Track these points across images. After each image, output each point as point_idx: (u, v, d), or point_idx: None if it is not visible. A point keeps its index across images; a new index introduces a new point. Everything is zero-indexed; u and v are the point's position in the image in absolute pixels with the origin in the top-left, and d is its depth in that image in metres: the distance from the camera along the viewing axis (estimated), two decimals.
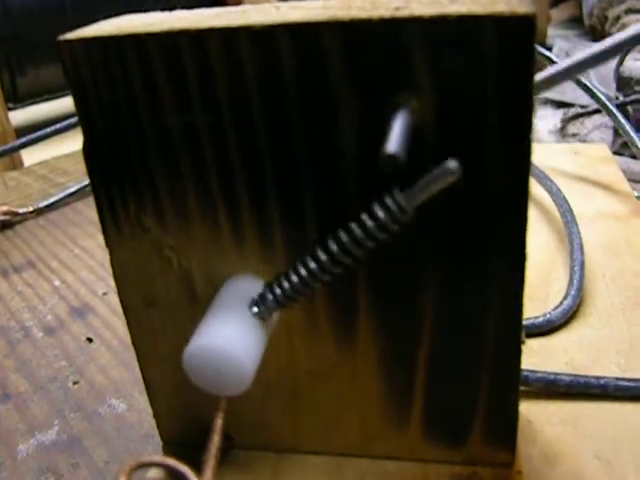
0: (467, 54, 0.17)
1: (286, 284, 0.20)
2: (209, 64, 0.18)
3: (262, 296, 0.20)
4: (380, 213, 0.18)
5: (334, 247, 0.19)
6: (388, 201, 0.18)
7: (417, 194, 0.17)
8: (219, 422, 0.20)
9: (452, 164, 0.16)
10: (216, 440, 0.20)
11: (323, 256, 0.19)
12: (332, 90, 0.18)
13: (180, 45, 0.18)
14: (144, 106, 0.20)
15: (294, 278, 0.20)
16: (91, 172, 0.21)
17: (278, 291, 0.20)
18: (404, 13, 0.17)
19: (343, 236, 0.18)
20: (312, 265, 0.19)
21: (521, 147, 0.18)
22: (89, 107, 0.20)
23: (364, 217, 0.18)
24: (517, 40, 0.17)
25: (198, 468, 0.20)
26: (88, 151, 0.21)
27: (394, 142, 0.15)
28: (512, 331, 0.21)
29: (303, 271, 0.19)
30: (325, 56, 0.18)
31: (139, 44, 0.19)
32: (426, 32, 0.17)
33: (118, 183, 0.21)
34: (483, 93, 0.17)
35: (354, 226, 0.18)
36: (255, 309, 0.20)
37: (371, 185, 0.19)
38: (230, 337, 0.19)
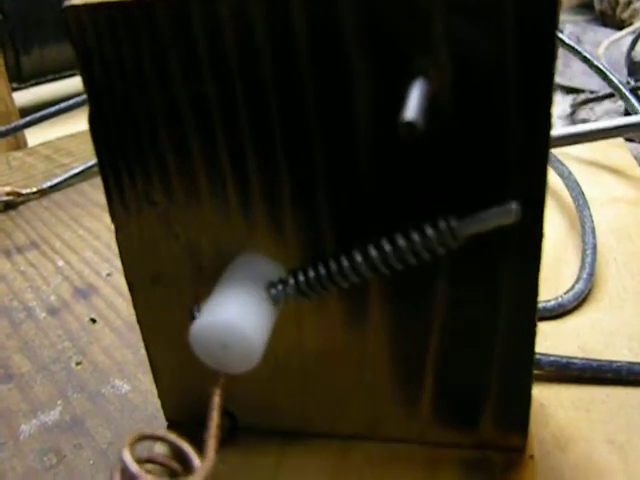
0: (487, 20, 0.16)
1: (312, 275, 0.19)
2: (219, 29, 0.18)
3: (284, 281, 0.20)
4: (431, 233, 0.18)
5: (374, 254, 0.19)
6: (442, 225, 0.18)
7: (471, 225, 0.18)
8: (217, 399, 0.19)
9: (513, 206, 0.17)
10: (215, 417, 0.19)
11: (359, 259, 0.19)
12: (347, 56, 0.17)
13: (190, 9, 0.18)
14: (152, 74, 0.19)
15: (322, 271, 0.19)
16: (97, 143, 0.21)
17: (302, 279, 0.20)
18: None
19: (386, 246, 0.18)
20: (345, 264, 0.19)
21: (541, 119, 0.17)
22: (95, 75, 0.19)
23: (413, 233, 0.18)
24: (539, 6, 0.16)
25: (202, 449, 0.19)
26: (94, 121, 0.20)
27: (412, 109, 0.15)
28: (526, 313, 0.21)
29: (334, 267, 0.19)
30: (339, 21, 0.17)
31: (147, 9, 0.18)
32: None
33: (125, 155, 0.20)
34: (503, 62, 0.17)
35: (400, 239, 0.18)
36: (273, 291, 0.20)
37: (386, 158, 0.19)
38: (239, 312, 0.18)
